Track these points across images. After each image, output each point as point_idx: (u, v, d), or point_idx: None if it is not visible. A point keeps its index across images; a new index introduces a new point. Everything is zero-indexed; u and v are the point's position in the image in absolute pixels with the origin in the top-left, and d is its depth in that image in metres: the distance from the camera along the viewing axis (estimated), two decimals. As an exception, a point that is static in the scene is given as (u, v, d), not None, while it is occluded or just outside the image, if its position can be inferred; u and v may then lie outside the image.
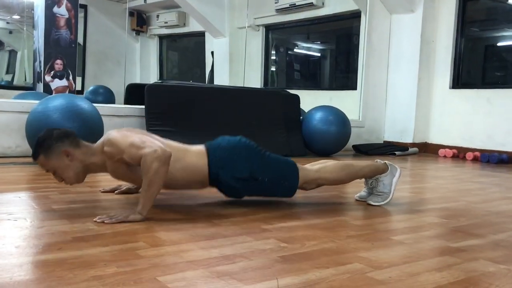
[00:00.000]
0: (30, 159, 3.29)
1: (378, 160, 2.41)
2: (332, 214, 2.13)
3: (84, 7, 9.21)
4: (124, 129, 2.04)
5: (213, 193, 2.44)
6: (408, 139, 5.68)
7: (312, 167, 2.27)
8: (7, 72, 9.81)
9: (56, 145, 1.91)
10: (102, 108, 3.74)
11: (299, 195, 2.66)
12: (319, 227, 1.87)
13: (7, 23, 9.77)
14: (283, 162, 2.20)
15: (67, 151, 1.92)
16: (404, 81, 5.72)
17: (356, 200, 2.48)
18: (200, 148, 2.13)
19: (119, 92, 7.16)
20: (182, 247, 1.51)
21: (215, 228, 1.77)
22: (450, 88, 5.57)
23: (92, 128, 3.19)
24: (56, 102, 3.11)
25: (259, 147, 2.19)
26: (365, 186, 2.45)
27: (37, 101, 3.35)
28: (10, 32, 9.92)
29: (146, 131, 2.10)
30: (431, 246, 1.71)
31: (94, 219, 1.77)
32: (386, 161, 2.38)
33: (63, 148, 1.92)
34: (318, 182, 2.25)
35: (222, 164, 2.07)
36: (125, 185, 2.39)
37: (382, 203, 2.34)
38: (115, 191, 2.37)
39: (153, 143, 1.86)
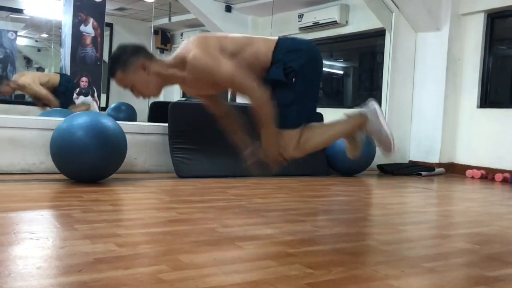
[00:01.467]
0: (54, 176, 3.33)
1: (348, 113, 2.26)
2: (358, 238, 2.06)
3: (110, 25, 9.38)
4: (203, 42, 2.00)
5: (236, 214, 2.40)
6: (434, 159, 5.55)
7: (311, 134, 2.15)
8: (34, 89, 10.01)
9: (132, 59, 1.92)
10: (126, 125, 3.75)
11: (323, 217, 2.60)
12: (345, 252, 1.80)
13: (36, 41, 10.03)
14: (313, 103, 2.18)
15: (143, 64, 1.93)
16: (430, 99, 5.62)
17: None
18: (272, 38, 2.13)
19: (143, 109, 7.22)
20: (204, 272, 1.47)
21: (238, 251, 1.73)
22: (477, 107, 5.44)
23: (115, 145, 3.20)
24: (81, 119, 3.13)
25: (319, 83, 2.22)
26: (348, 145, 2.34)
27: (62, 119, 3.37)
28: (39, 50, 10.17)
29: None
30: (465, 274, 1.62)
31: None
32: (358, 110, 2.22)
33: (140, 61, 1.92)
34: (302, 138, 2.11)
35: (284, 53, 2.05)
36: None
37: (392, 147, 2.21)
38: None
39: (253, 81, 1.95)
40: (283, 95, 2.06)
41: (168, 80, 2.01)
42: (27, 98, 9.51)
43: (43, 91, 5.40)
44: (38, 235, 1.79)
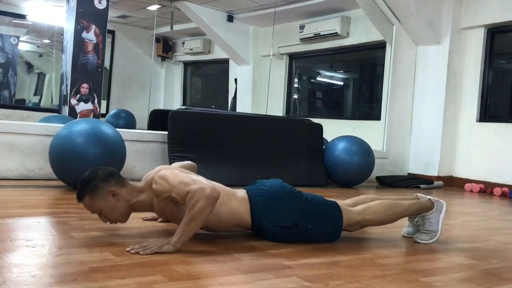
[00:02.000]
0: (52, 183, 3.32)
1: (421, 195, 2.35)
2: (357, 251, 2.05)
3: (112, 32, 9.43)
4: (173, 167, 2.03)
5: (233, 224, 2.38)
6: (433, 172, 5.54)
7: (356, 208, 2.19)
8: (35, 94, 10.05)
9: (102, 185, 1.88)
10: (125, 133, 3.76)
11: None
12: (343, 265, 1.79)
13: (38, 46, 10.07)
14: (326, 206, 2.13)
15: (113, 190, 1.89)
16: (430, 112, 5.63)
17: (403, 236, 2.41)
18: (243, 193, 2.09)
19: (143, 116, 7.23)
20: (200, 283, 1.46)
21: (235, 262, 1.72)
22: (477, 121, 5.45)
23: (114, 153, 3.20)
24: (80, 126, 3.13)
25: (301, 192, 2.15)
26: (409, 221, 2.39)
27: (61, 125, 3.38)
28: (40, 56, 10.21)
29: (177, 168, 2.05)
30: (463, 290, 1.61)
31: (127, 249, 1.73)
32: (431, 197, 2.31)
33: (109, 188, 1.88)
34: (362, 224, 2.20)
35: (264, 213, 2.03)
36: None
37: (430, 241, 2.28)
38: (158, 219, 2.32)
39: (203, 181, 1.82)
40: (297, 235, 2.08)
41: (136, 207, 1.98)
42: (27, 103, 9.54)
43: None
44: (34, 242, 1.79)
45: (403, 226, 2.43)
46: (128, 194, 1.93)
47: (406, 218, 2.38)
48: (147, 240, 1.79)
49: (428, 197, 2.32)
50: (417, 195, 2.38)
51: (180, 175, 1.87)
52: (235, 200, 2.04)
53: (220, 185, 2.04)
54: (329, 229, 2.11)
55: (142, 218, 2.34)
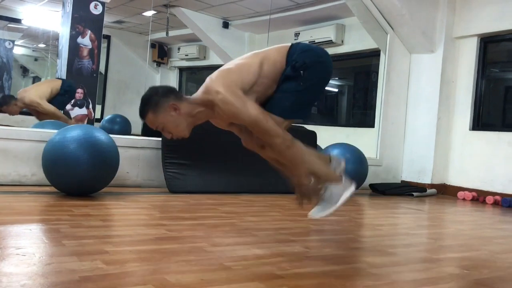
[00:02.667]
0: (45, 189, 3.31)
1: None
2: (348, 260, 2.06)
3: (108, 37, 9.42)
4: (226, 81, 2.00)
5: (226, 232, 2.39)
6: (426, 180, 5.57)
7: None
8: (29, 98, 10.00)
9: (163, 100, 1.96)
10: (119, 139, 3.75)
11: (313, 237, 2.60)
12: (334, 275, 1.80)
13: (33, 51, 10.05)
14: (310, 103, 2.25)
15: (174, 105, 1.97)
16: (423, 120, 5.65)
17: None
18: (285, 45, 2.17)
19: (137, 121, 7.22)
20: (191, 293, 1.46)
21: (226, 272, 1.72)
22: (470, 129, 5.48)
23: (108, 159, 3.19)
24: (74, 132, 3.12)
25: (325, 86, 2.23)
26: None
27: (55, 131, 3.37)
28: (35, 60, 10.18)
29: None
30: (453, 301, 1.62)
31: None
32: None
33: (170, 103, 1.96)
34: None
35: (297, 54, 2.09)
36: None
37: (323, 214, 2.09)
38: None
39: (275, 125, 1.97)
40: (288, 84, 2.09)
41: (198, 119, 2.06)
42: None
43: (52, 108, 5.42)
44: (24, 250, 1.78)
45: (397, 235, 2.44)
46: (188, 107, 2.01)
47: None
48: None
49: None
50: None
51: (241, 101, 1.95)
52: (272, 53, 2.14)
53: (254, 60, 2.11)
54: (296, 108, 2.12)
55: None
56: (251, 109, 1.95)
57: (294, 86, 2.08)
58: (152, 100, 1.96)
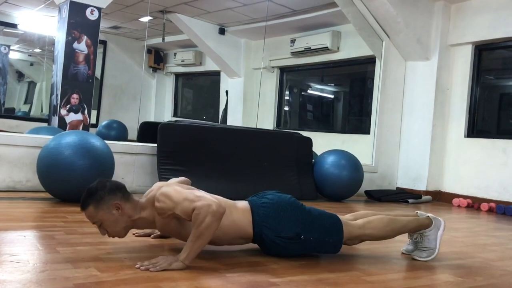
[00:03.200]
0: (40, 195, 3.30)
1: (421, 212, 2.39)
2: (343, 268, 2.06)
3: (104, 43, 9.44)
4: (173, 184, 2.02)
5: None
6: (422, 187, 5.58)
7: (356, 222, 2.23)
8: (25, 103, 10.00)
9: (108, 197, 1.87)
10: (114, 145, 3.75)
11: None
12: (329, 282, 1.80)
13: (29, 55, 10.04)
14: (327, 219, 2.16)
15: (118, 204, 1.89)
16: (418, 127, 5.68)
17: (403, 253, 2.43)
18: (244, 204, 2.12)
19: (133, 127, 7.22)
20: (186, 301, 1.45)
21: (221, 279, 1.71)
22: (465, 136, 5.51)
23: (103, 165, 3.19)
24: (69, 138, 3.12)
25: (303, 204, 2.17)
26: (409, 238, 2.41)
27: (50, 137, 3.36)
28: (31, 64, 10.17)
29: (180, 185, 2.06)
30: (447, 309, 1.62)
31: (136, 266, 1.74)
32: (429, 215, 2.35)
33: (115, 201, 1.88)
34: (362, 238, 2.22)
35: (266, 223, 2.04)
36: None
37: (428, 258, 2.30)
38: (151, 236, 2.31)
39: (207, 197, 1.85)
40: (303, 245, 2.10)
41: (138, 224, 1.98)
42: (17, 112, 9.48)
43: None
44: (18, 257, 1.77)
45: (392, 242, 2.44)
46: (132, 209, 1.93)
47: (407, 235, 2.40)
48: (155, 258, 1.80)
49: (427, 214, 2.36)
50: (417, 212, 2.42)
51: (183, 191, 1.89)
52: (237, 211, 2.06)
53: (222, 198, 2.06)
54: (330, 241, 2.13)
55: (134, 234, 2.32)
56: (183, 195, 1.86)
57: (301, 244, 2.08)
58: (97, 194, 1.87)
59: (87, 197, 1.88)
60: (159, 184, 2.05)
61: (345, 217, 2.26)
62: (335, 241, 2.13)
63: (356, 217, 2.31)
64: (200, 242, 1.78)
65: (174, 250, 2.07)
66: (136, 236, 2.31)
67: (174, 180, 2.22)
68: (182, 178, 2.28)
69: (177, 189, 1.91)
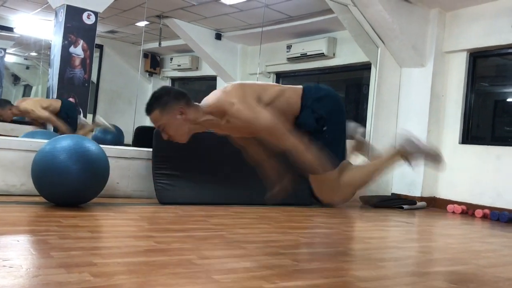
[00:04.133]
0: (33, 198, 3.28)
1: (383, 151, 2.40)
2: (337, 274, 2.06)
3: (100, 47, 9.42)
4: (242, 92, 2.05)
5: (215, 245, 2.39)
6: (416, 193, 5.60)
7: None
8: (20, 106, 9.95)
9: (172, 102, 1.97)
10: (109, 149, 3.74)
11: (303, 250, 2.60)
12: (322, 288, 1.80)
13: (25, 59, 10.02)
14: (343, 144, 2.25)
15: (182, 109, 1.98)
16: (413, 133, 5.68)
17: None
18: (298, 87, 2.21)
19: (129, 131, 7.20)
20: (179, 306, 1.45)
21: (214, 285, 1.71)
22: (459, 143, 5.53)
23: (98, 169, 3.18)
24: (64, 143, 3.11)
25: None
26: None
27: (45, 141, 3.36)
28: (27, 68, 10.14)
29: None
30: (439, 315, 1.63)
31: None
32: (392, 146, 2.37)
33: (179, 106, 1.98)
34: (348, 184, 2.22)
35: (312, 101, 2.13)
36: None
37: (438, 157, 2.41)
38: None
39: (289, 131, 2.00)
40: (317, 142, 2.14)
41: (202, 127, 2.08)
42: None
43: (45, 114, 5.39)
44: (11, 262, 1.76)
45: (386, 247, 2.45)
46: (195, 114, 2.02)
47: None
48: None
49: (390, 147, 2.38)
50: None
51: (255, 109, 1.99)
52: (289, 90, 2.16)
53: (272, 85, 2.22)
54: (329, 155, 2.13)
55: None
56: (264, 116, 1.99)
57: (322, 142, 2.13)
58: (162, 99, 1.98)
59: (153, 101, 1.99)
60: (223, 95, 2.06)
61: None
62: (332, 160, 2.14)
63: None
64: (306, 157, 1.98)
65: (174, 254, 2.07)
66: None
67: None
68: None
69: (255, 113, 1.99)
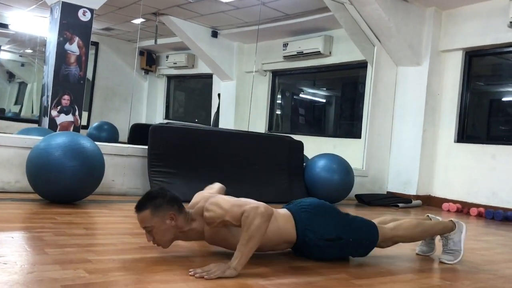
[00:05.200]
0: (28, 196, 3.27)
1: (431, 215, 2.53)
2: (332, 271, 2.06)
3: (96, 44, 9.40)
4: (218, 194, 2.10)
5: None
6: (412, 191, 5.61)
7: (388, 225, 2.32)
8: (15, 104, 9.92)
9: (166, 206, 1.92)
10: (105, 147, 3.73)
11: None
12: (318, 285, 1.80)
13: (20, 56, 9.97)
14: (363, 221, 2.27)
15: (173, 215, 1.93)
16: (409, 132, 5.72)
17: (418, 254, 2.54)
18: (284, 211, 2.18)
19: (124, 129, 7.20)
20: (174, 303, 1.45)
21: (210, 282, 1.71)
22: (455, 141, 5.56)
23: (93, 167, 3.17)
24: (59, 139, 3.10)
25: (338, 209, 2.27)
26: (424, 240, 2.53)
27: (40, 137, 3.34)
28: (22, 65, 10.10)
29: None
30: (434, 312, 1.63)
31: (189, 273, 1.74)
32: (452, 219, 2.45)
33: (171, 211, 1.93)
34: (394, 240, 2.30)
35: (309, 226, 2.11)
36: None
37: (456, 261, 2.39)
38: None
39: (255, 201, 1.90)
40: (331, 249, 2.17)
41: (188, 234, 2.02)
42: (7, 113, 9.40)
43: None
44: (6, 258, 1.75)
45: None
46: (184, 221, 1.98)
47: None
48: (208, 266, 1.80)
49: (450, 219, 2.47)
50: (427, 215, 2.54)
51: (231, 199, 1.96)
52: (280, 217, 2.11)
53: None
54: (366, 243, 2.21)
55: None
56: (230, 203, 1.91)
57: (341, 245, 2.15)
58: (157, 200, 1.92)
59: (146, 200, 1.93)
60: (203, 194, 2.12)
61: (375, 221, 2.35)
62: (370, 242, 2.22)
63: (381, 221, 2.40)
64: (251, 244, 1.81)
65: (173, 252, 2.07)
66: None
67: (212, 187, 2.32)
68: (219, 185, 2.35)
69: (224, 198, 1.98)
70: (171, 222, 1.93)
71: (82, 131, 6.15)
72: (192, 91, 10.63)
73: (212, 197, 2.01)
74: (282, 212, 2.17)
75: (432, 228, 2.40)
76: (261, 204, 1.87)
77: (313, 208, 2.17)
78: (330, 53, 6.88)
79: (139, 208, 1.92)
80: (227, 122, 8.21)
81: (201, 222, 1.98)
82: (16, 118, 9.11)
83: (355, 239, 2.17)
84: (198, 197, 2.14)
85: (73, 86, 6.05)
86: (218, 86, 8.67)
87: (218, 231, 1.98)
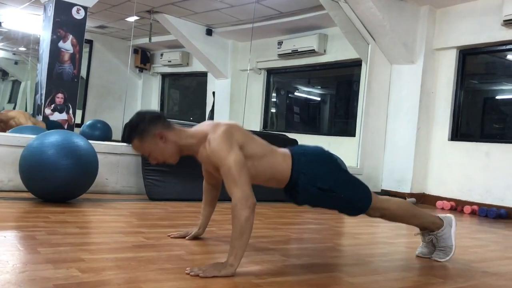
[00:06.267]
0: (21, 194, 3.25)
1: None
2: (326, 269, 2.07)
3: (90, 42, 9.35)
4: (230, 129, 1.96)
5: (205, 241, 2.38)
6: (406, 189, 5.63)
7: (383, 197, 2.29)
8: (9, 102, 9.87)
9: (149, 128, 1.92)
10: (99, 145, 3.71)
11: (293, 246, 2.61)
12: (312, 283, 1.80)
13: (13, 54, 9.92)
14: (361, 184, 2.20)
15: (161, 133, 1.93)
16: (403, 130, 5.73)
17: (418, 256, 2.47)
18: (285, 150, 2.13)
19: (118, 127, 7.17)
20: (167, 302, 1.44)
21: (203, 280, 1.71)
22: (449, 139, 5.57)
23: (87, 165, 3.15)
24: (52, 138, 3.08)
25: (341, 161, 2.20)
26: (422, 241, 2.47)
27: (33, 136, 3.32)
28: (16, 63, 10.05)
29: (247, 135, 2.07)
30: (427, 310, 1.64)
31: (186, 271, 1.73)
32: (439, 215, 2.40)
33: (157, 131, 1.92)
34: (383, 212, 2.23)
35: (305, 170, 2.06)
36: (193, 230, 2.38)
37: (448, 257, 2.37)
38: (186, 237, 2.33)
39: (247, 183, 1.84)
40: (332, 201, 2.13)
41: (184, 150, 2.01)
42: (0, 111, 9.33)
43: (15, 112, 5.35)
44: (-2, 258, 1.75)
45: (375, 243, 2.46)
46: (175, 136, 1.97)
47: (420, 241, 2.48)
48: (205, 265, 1.80)
49: (436, 214, 2.41)
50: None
51: (231, 154, 1.86)
52: (278, 154, 2.08)
53: (262, 141, 2.08)
54: (358, 205, 2.16)
55: (168, 235, 2.35)
56: (232, 156, 1.87)
57: (332, 198, 2.10)
58: (138, 127, 1.91)
59: (129, 132, 1.93)
60: (213, 124, 2.00)
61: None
62: (362, 205, 2.17)
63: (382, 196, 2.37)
64: (245, 237, 1.79)
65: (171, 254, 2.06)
66: (172, 237, 2.32)
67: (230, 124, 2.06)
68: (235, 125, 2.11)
69: (226, 148, 1.88)
70: (161, 140, 1.93)
71: (76, 130, 6.12)
72: (186, 89, 10.60)
73: (219, 136, 1.90)
74: (282, 151, 2.12)
75: (423, 217, 2.34)
76: (251, 194, 1.82)
77: (315, 156, 2.13)
78: (324, 51, 6.88)
79: (127, 141, 1.94)
80: (222, 120, 8.20)
81: (199, 145, 1.96)
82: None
83: (347, 196, 2.11)
84: (207, 125, 2.04)
85: (67, 84, 6.02)
86: (213, 84, 8.66)
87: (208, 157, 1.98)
